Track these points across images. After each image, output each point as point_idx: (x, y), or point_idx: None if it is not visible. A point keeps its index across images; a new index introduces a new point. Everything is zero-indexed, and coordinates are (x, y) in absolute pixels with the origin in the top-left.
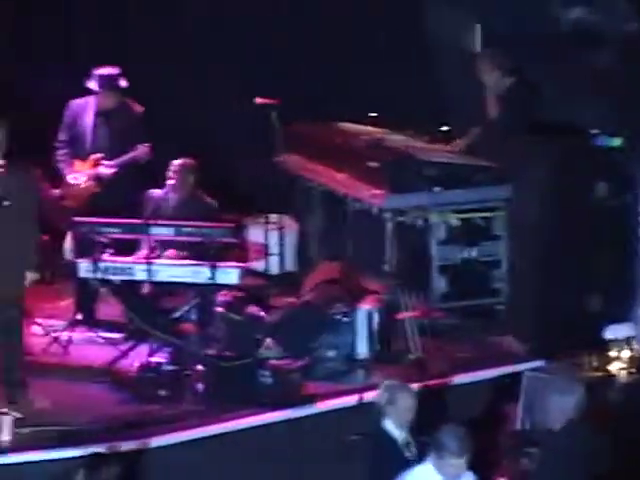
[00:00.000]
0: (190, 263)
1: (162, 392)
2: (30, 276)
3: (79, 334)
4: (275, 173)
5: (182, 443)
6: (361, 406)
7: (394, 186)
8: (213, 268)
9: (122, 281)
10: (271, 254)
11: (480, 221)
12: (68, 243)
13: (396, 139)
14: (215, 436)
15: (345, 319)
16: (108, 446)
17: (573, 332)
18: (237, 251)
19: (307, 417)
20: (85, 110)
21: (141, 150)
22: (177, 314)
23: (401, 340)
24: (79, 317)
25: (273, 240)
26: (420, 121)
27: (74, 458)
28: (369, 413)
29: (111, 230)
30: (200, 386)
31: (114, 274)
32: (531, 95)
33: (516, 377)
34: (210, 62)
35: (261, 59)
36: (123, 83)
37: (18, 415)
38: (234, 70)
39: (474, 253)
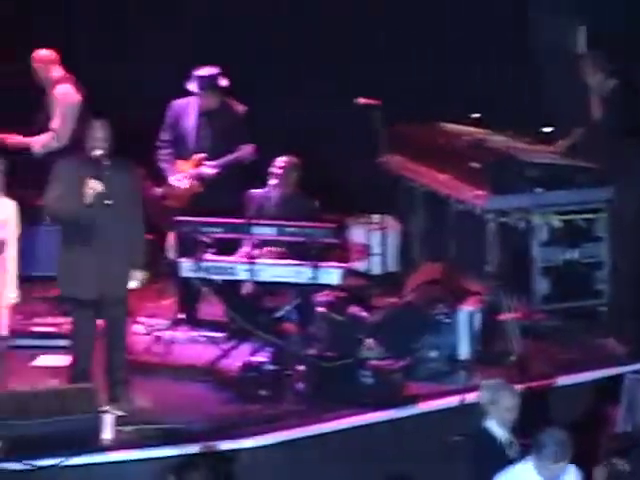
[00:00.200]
0: (292, 263)
1: (263, 392)
2: (140, 275)
3: (181, 333)
4: (378, 173)
5: (283, 443)
6: (463, 407)
7: (496, 187)
8: (315, 268)
9: (224, 281)
10: (373, 254)
11: (582, 222)
12: (171, 243)
13: (498, 140)
14: (316, 436)
15: (447, 320)
16: (204, 445)
17: None
18: (339, 251)
19: (409, 417)
20: (187, 110)
21: (246, 150)
22: (279, 314)
23: (503, 341)
24: (181, 316)
25: (375, 240)
26: (522, 122)
27: (175, 457)
28: (471, 414)
29: (213, 230)
30: (301, 386)
31: (216, 274)
32: (635, 97)
33: (618, 379)
34: (314, 61)
35: (364, 59)
36: (223, 82)
37: (120, 413)
38: (337, 70)
39: (576, 254)
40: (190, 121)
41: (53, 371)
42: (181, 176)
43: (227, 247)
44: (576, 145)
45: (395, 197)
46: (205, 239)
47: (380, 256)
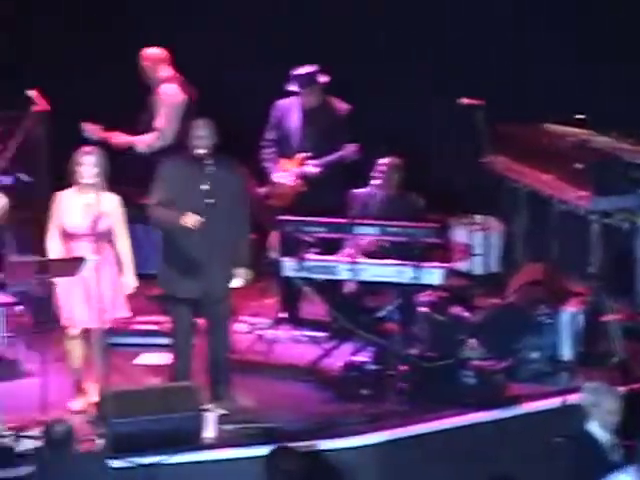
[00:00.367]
0: (394, 263)
1: (365, 391)
2: (244, 274)
3: (283, 332)
4: (481, 174)
5: (384, 443)
6: (565, 408)
7: (600, 188)
8: (417, 268)
9: (326, 280)
10: (475, 255)
11: None
12: (273, 242)
13: (602, 140)
14: (418, 436)
15: (549, 321)
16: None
17: None
18: (441, 251)
19: (511, 418)
20: (290, 110)
21: (349, 149)
22: (381, 314)
23: (605, 343)
24: (283, 315)
25: (478, 241)
26: (626, 123)
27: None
28: (573, 415)
29: (316, 229)
30: (403, 386)
31: (318, 273)
32: None
33: None
34: (417, 62)
35: (468, 59)
36: (323, 79)
37: (222, 412)
38: (442, 70)
39: None
40: (293, 120)
41: (155, 369)
42: (285, 175)
43: (330, 246)
44: None
45: (498, 197)
46: (308, 238)
47: (482, 256)
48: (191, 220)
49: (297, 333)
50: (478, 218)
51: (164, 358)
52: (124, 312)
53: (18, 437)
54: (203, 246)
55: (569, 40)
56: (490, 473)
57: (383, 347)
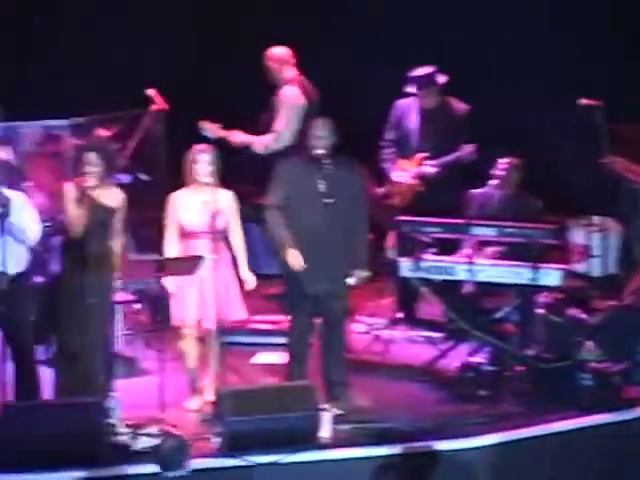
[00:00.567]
0: (511, 264)
1: (482, 392)
2: (361, 274)
3: (400, 333)
4: (600, 175)
5: (501, 444)
6: None
7: None
8: (535, 269)
9: (443, 280)
10: (593, 256)
11: None
12: (391, 242)
13: None
14: (535, 437)
15: None
16: (414, 446)
17: None
18: (559, 252)
19: (628, 421)
20: (409, 110)
21: (466, 150)
22: (498, 315)
23: None
24: (400, 316)
25: (596, 242)
26: None
27: (392, 456)
28: None
29: (433, 229)
30: (520, 387)
31: (435, 273)
32: None
33: None
34: (537, 60)
35: (585, 58)
36: (441, 80)
37: (338, 412)
38: (560, 69)
39: None
40: (412, 121)
41: (271, 369)
42: (403, 175)
43: (447, 247)
44: None
45: (617, 199)
46: (425, 239)
47: (600, 258)
48: (294, 260)
49: (413, 333)
50: (596, 219)
51: (280, 357)
52: (242, 314)
53: (135, 435)
54: (322, 245)
55: None
56: (606, 475)
57: (500, 348)
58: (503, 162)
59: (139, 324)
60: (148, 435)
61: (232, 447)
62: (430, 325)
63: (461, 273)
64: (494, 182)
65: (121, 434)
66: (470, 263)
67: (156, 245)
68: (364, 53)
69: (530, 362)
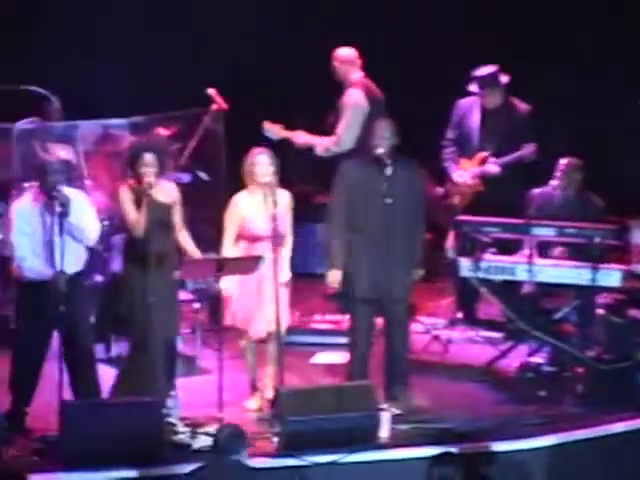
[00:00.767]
0: (572, 264)
1: (541, 393)
2: (417, 274)
3: (459, 333)
4: None
5: (560, 445)
6: None
7: None
8: (595, 270)
9: (503, 281)
10: None
11: None
12: (451, 242)
13: None
14: (594, 439)
15: None
16: (471, 446)
17: None
18: (620, 253)
19: None
20: (471, 109)
21: (527, 149)
22: (558, 315)
23: None
24: (459, 316)
25: None
26: None
27: (449, 456)
28: None
29: (493, 229)
30: (580, 388)
31: (495, 274)
32: None
33: None
34: (599, 62)
35: None
36: (504, 80)
37: (397, 411)
38: (624, 70)
39: None
40: (474, 120)
41: (331, 368)
42: (464, 174)
43: (508, 247)
44: None
45: None
46: (485, 239)
47: None
48: (333, 280)
49: (473, 333)
50: None
51: (341, 357)
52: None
53: (194, 434)
54: (383, 245)
55: None
56: None
57: (559, 349)
58: (563, 162)
59: (198, 323)
60: (207, 434)
61: (291, 447)
62: (489, 325)
63: (521, 273)
64: (555, 182)
65: (180, 433)
66: (530, 263)
67: (215, 244)
68: (427, 53)
69: (590, 363)
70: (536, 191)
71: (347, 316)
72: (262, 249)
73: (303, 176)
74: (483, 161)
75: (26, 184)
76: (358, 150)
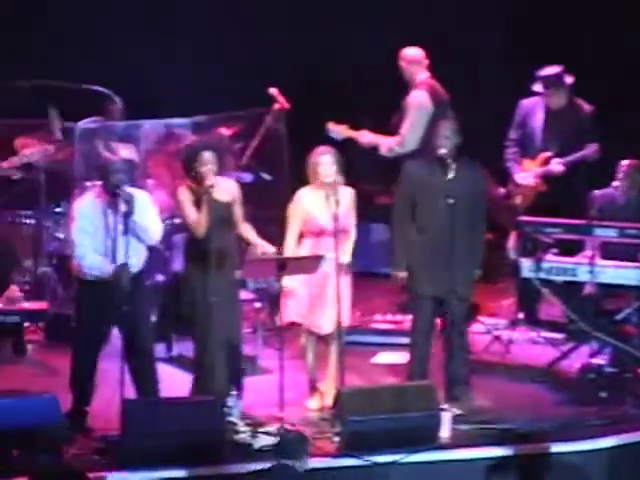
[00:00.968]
0: (633, 265)
1: (602, 394)
2: (477, 275)
3: (520, 333)
4: None
5: (621, 446)
6: None
7: None
8: None
9: (564, 281)
10: None
11: None
12: (512, 242)
13: None
14: None
15: None
16: (527, 447)
17: None
18: None
19: None
20: (535, 109)
21: (590, 149)
22: (619, 316)
23: None
24: (520, 316)
25: None
26: None
27: (510, 457)
28: None
29: (555, 230)
30: None
31: (557, 274)
32: None
33: None
34: None
35: None
36: (569, 80)
37: (458, 412)
38: None
39: None
40: (537, 120)
41: (392, 368)
42: (527, 174)
43: (570, 247)
44: None
45: None
46: (547, 239)
47: None
48: (398, 279)
49: (534, 334)
50: None
51: (402, 357)
52: (347, 319)
53: (255, 433)
54: (445, 245)
55: None
56: None
57: (621, 350)
58: (625, 163)
59: (259, 323)
60: (268, 433)
61: (351, 447)
62: (551, 326)
63: (582, 274)
64: (616, 183)
65: (241, 432)
66: (592, 264)
67: (277, 244)
68: (490, 53)
69: None
70: (598, 192)
71: (408, 316)
72: (326, 245)
73: (367, 176)
74: (546, 162)
75: (88, 183)
76: (422, 150)
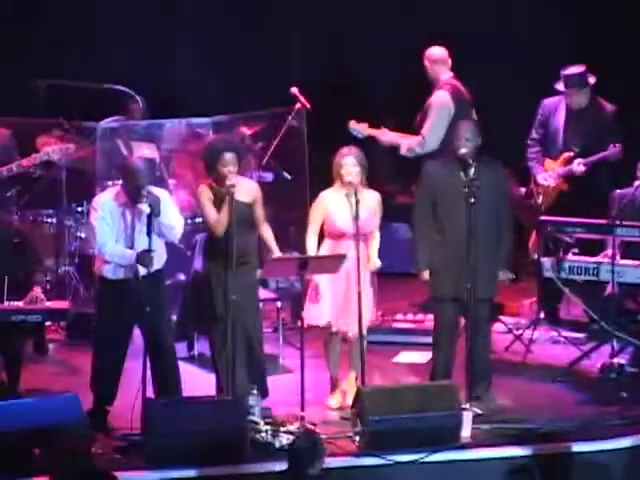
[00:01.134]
0: None
1: (623, 394)
2: (504, 275)
3: (541, 333)
4: None
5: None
6: None
7: None
8: None
9: (586, 281)
10: None
11: None
12: (533, 242)
13: None
14: None
15: None
16: (547, 447)
17: None
18: None
19: None
20: (557, 109)
21: (612, 150)
22: None
23: None
24: (542, 316)
25: None
26: None
27: (531, 457)
28: None
29: (576, 230)
30: None
31: (578, 274)
32: None
33: None
34: None
35: None
36: (591, 80)
37: (479, 411)
38: None
39: None
40: (559, 119)
41: (414, 368)
42: (548, 174)
43: (591, 247)
44: None
45: None
46: (568, 239)
47: None
48: (422, 278)
49: (555, 334)
50: None
51: (423, 357)
52: (372, 317)
53: (276, 433)
54: (467, 246)
55: None
56: None
57: None
58: None
59: (280, 322)
60: (289, 433)
61: (372, 446)
62: (572, 325)
63: (604, 274)
64: (637, 183)
65: (262, 431)
66: (613, 264)
67: (298, 243)
68: (506, 54)
69: None
70: (619, 191)
71: (429, 316)
72: (347, 247)
73: (388, 175)
74: (568, 161)
75: (109, 182)
76: (442, 151)
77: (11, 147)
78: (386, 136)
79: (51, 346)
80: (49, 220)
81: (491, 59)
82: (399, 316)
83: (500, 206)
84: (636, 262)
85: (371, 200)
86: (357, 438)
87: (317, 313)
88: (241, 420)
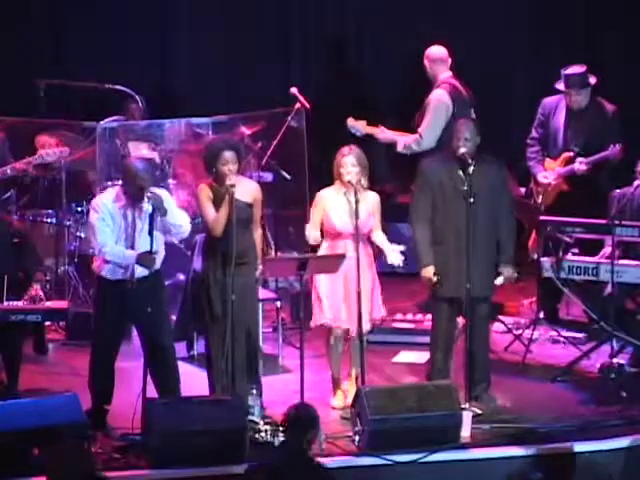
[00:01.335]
0: None
1: (623, 393)
2: (507, 273)
3: (541, 333)
4: None
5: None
6: None
7: None
8: None
9: (585, 281)
10: None
11: None
12: (533, 241)
13: None
14: None
15: None
16: (550, 447)
17: None
18: None
19: None
20: (557, 108)
21: (613, 150)
22: None
23: None
24: (541, 316)
25: None
26: None
27: (530, 457)
28: None
29: (576, 230)
30: None
31: (578, 274)
32: None
33: None
34: None
35: None
36: (592, 80)
37: (478, 412)
38: None
39: None
40: (559, 119)
41: (413, 368)
42: (548, 174)
43: (590, 247)
44: None
45: None
46: (567, 239)
47: None
48: (428, 278)
49: (554, 333)
50: None
51: (422, 357)
52: (381, 311)
53: (275, 432)
54: (466, 245)
55: None
56: None
57: None
58: None
59: (280, 322)
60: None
61: (372, 445)
62: (571, 325)
63: (603, 274)
64: (637, 182)
65: (261, 431)
66: (613, 264)
67: (297, 243)
68: (511, 53)
69: None
70: (618, 191)
71: (428, 315)
72: (344, 246)
73: (386, 174)
74: (568, 161)
75: (109, 183)
76: (439, 149)
77: (5, 150)
78: (384, 134)
79: (50, 346)
80: (49, 220)
81: (491, 59)
82: (399, 316)
83: (500, 205)
84: (635, 262)
85: (370, 201)
86: (357, 438)
87: (324, 312)
88: (241, 420)
